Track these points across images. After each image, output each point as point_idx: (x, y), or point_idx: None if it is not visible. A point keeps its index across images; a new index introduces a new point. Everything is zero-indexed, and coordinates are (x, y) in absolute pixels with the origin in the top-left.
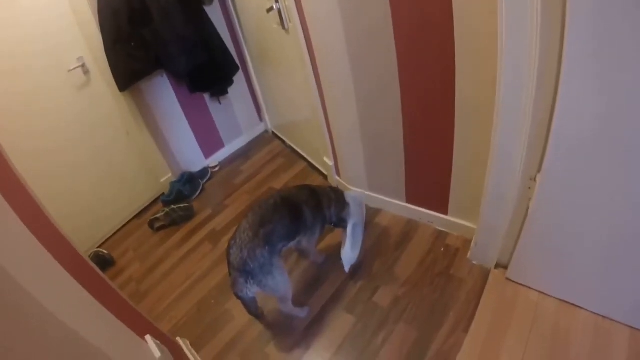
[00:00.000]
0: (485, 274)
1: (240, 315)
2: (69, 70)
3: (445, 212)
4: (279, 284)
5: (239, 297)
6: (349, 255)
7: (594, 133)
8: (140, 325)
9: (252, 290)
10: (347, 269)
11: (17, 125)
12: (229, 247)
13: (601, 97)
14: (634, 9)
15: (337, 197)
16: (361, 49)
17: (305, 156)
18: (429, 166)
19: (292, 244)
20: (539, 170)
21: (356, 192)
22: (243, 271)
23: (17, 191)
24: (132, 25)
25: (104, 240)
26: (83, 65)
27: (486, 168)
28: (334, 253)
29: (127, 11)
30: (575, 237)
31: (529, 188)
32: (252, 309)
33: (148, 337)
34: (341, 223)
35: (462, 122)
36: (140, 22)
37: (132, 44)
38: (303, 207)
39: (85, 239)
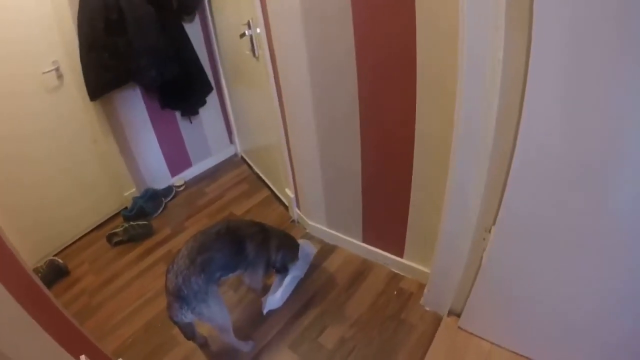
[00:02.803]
0: (437, 321)
1: (186, 342)
2: (43, 73)
3: (401, 255)
4: (214, 313)
5: (173, 322)
6: (275, 301)
7: (552, 183)
8: (77, 345)
9: (186, 316)
10: (265, 311)
11: None
12: (167, 272)
13: (563, 144)
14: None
15: (291, 246)
16: (324, 83)
17: (270, 184)
18: (386, 207)
19: (231, 276)
20: (493, 223)
21: (310, 249)
22: (177, 297)
23: None
24: (107, 35)
25: (61, 249)
26: (57, 69)
27: (442, 216)
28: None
29: (103, 20)
30: (529, 290)
31: (484, 239)
32: (189, 333)
33: (82, 358)
34: (282, 270)
35: (420, 164)
36: (116, 31)
37: (106, 53)
38: (246, 242)
39: (41, 246)
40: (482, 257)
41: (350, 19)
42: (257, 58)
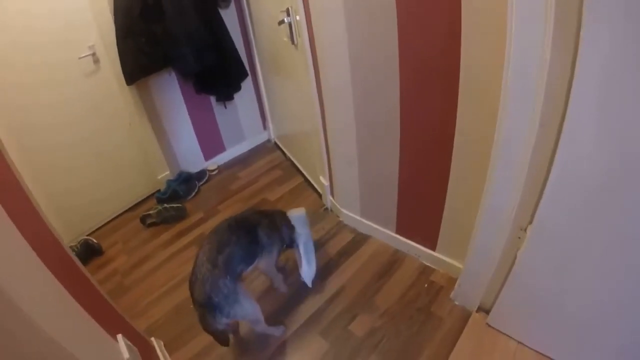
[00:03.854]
0: (465, 316)
1: None
2: (80, 57)
3: (434, 248)
4: (247, 310)
5: (208, 332)
6: (307, 271)
7: (592, 189)
8: (114, 323)
9: (221, 323)
10: (309, 283)
11: (24, 100)
12: (191, 284)
13: (604, 152)
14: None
15: (285, 219)
16: (365, 78)
17: (303, 171)
18: (421, 200)
19: (251, 267)
20: (530, 222)
21: (298, 212)
22: (209, 306)
23: (6, 181)
24: (144, 20)
25: (95, 228)
26: (94, 54)
27: (478, 210)
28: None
29: (140, 5)
30: (561, 292)
31: (519, 238)
32: (225, 340)
33: (119, 337)
34: (292, 243)
35: (458, 161)
36: (153, 17)
37: (143, 39)
38: (257, 228)
39: (77, 226)
40: (515, 256)
41: (394, 13)
42: (296, 46)
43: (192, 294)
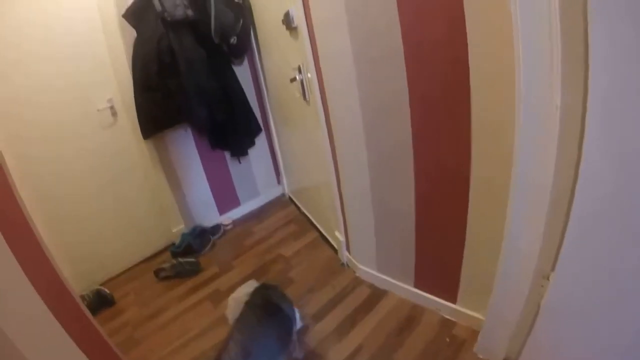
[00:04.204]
0: None
1: None
2: (98, 110)
3: (454, 301)
4: None
5: None
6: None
7: (615, 232)
8: None
9: None
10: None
11: (42, 150)
12: None
13: (625, 191)
14: None
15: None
16: (377, 124)
17: (318, 226)
18: (439, 252)
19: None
20: (552, 269)
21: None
22: None
23: (19, 228)
24: (160, 77)
25: (108, 278)
26: (112, 107)
27: (498, 261)
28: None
29: (157, 62)
30: (588, 340)
31: (542, 286)
32: None
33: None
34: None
35: (476, 207)
36: (169, 74)
37: (160, 94)
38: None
39: (89, 275)
40: (539, 305)
41: (402, 61)
42: (308, 101)
43: None
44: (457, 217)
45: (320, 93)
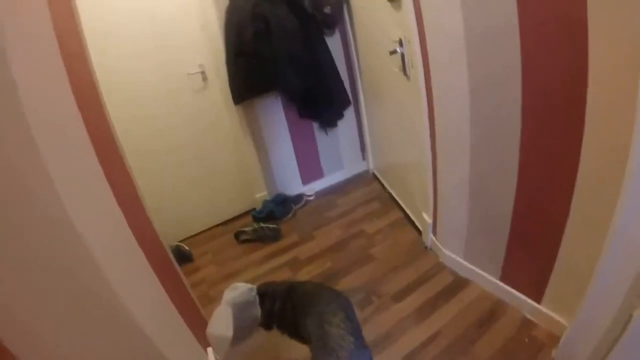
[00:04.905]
0: None
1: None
2: (189, 74)
3: (539, 301)
4: None
5: None
6: None
7: None
8: (201, 332)
9: None
10: None
11: (131, 112)
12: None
13: None
14: None
15: None
16: (485, 116)
17: (403, 206)
18: (533, 248)
19: None
20: None
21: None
22: None
23: (122, 179)
24: (254, 43)
25: (188, 236)
26: (203, 72)
27: (594, 266)
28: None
29: (251, 29)
30: None
31: (637, 296)
32: None
33: (210, 350)
34: None
35: (578, 210)
36: (263, 40)
37: (253, 60)
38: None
39: (170, 231)
40: (631, 316)
41: (517, 46)
42: (408, 77)
43: None
44: (557, 218)
45: (424, 70)
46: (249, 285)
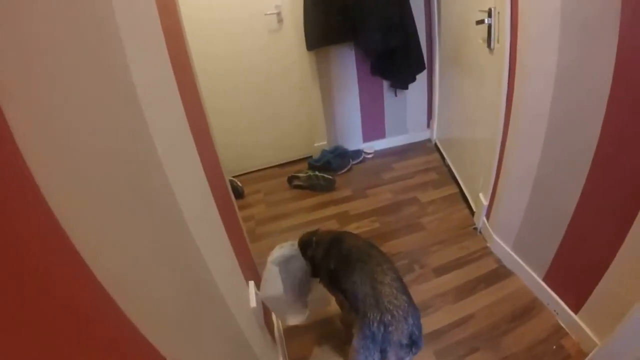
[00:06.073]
0: None
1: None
2: (266, 14)
3: (576, 311)
4: None
5: None
6: None
7: None
8: (247, 268)
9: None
10: None
11: (207, 49)
12: (384, 326)
13: None
14: None
15: None
16: (566, 102)
17: (460, 182)
18: (585, 255)
19: None
20: None
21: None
22: (410, 344)
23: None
24: None
25: (242, 173)
26: (279, 14)
27: None
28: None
29: None
30: None
31: None
32: None
33: (251, 284)
34: None
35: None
36: None
37: (334, 8)
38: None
39: (226, 165)
40: None
41: (614, 42)
42: (492, 50)
43: (384, 340)
44: (617, 229)
45: (511, 44)
46: (291, 241)
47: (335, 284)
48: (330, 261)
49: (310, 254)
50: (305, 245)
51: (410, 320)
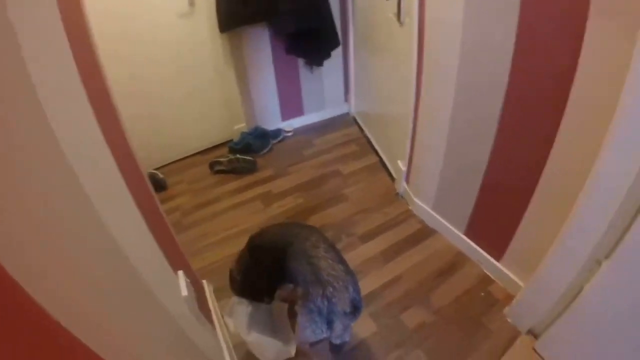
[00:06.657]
0: (514, 336)
1: None
2: None
3: (499, 259)
4: None
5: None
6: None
7: None
8: (173, 257)
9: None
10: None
11: (116, 29)
12: (327, 299)
13: None
14: None
15: None
16: (472, 69)
17: (379, 152)
18: (500, 207)
19: None
20: (607, 256)
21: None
22: (354, 312)
23: (104, 103)
24: None
25: (163, 164)
26: None
27: (557, 233)
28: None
29: None
30: (619, 336)
31: (590, 270)
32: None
33: (180, 273)
34: None
35: (549, 178)
36: None
37: None
38: None
39: (145, 158)
40: (582, 288)
41: (516, 13)
42: (402, 23)
43: (330, 312)
44: (528, 182)
45: (419, 18)
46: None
47: (278, 283)
48: (260, 268)
49: (249, 282)
50: (243, 284)
51: (351, 288)
